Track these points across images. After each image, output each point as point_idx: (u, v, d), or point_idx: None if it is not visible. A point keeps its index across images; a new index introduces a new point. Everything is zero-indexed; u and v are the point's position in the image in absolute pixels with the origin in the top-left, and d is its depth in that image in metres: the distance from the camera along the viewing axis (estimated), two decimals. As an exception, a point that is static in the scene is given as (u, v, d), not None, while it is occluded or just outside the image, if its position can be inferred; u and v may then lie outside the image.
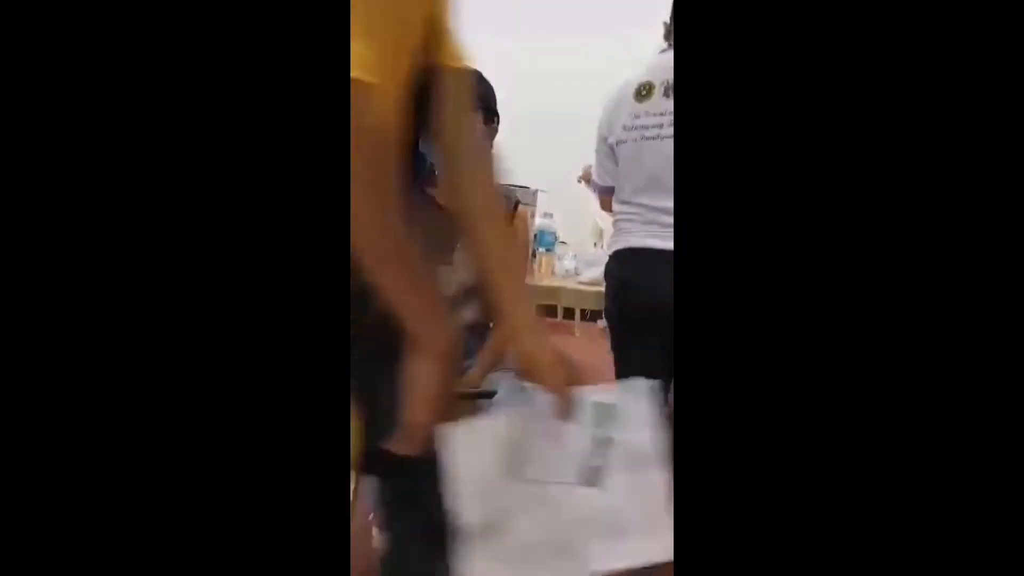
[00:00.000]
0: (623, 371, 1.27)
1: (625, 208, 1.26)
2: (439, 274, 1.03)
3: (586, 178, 1.91)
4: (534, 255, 1.81)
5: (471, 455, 0.48)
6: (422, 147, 0.67)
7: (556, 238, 2.05)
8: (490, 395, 0.95)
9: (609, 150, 1.29)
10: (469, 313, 1.13)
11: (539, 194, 1.99)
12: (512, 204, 1.14)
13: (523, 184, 1.48)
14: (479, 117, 0.94)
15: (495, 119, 1.11)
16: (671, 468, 0.57)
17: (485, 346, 1.12)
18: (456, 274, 1.08)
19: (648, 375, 0.72)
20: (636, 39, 1.42)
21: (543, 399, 0.52)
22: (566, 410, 0.51)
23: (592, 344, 2.19)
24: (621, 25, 2.99)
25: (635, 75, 1.24)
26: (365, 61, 0.43)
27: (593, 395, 0.53)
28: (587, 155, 1.45)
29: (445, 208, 0.78)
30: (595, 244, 2.13)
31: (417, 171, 0.71)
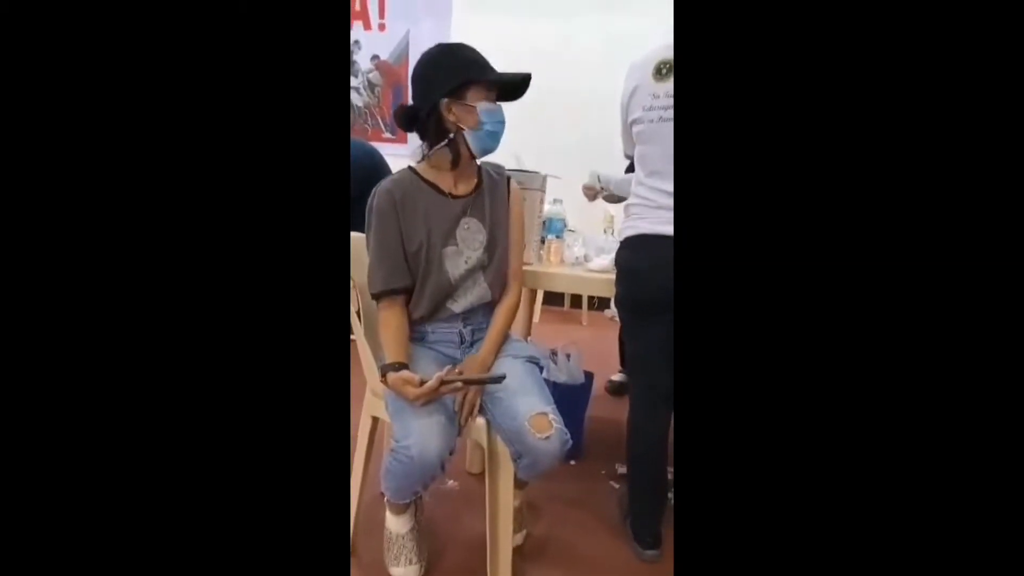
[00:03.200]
0: (631, 360, 1.37)
1: (639, 191, 1.25)
2: (446, 255, 1.12)
3: (587, 193, 2.02)
4: (543, 241, 1.63)
5: None
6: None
7: (565, 224, 1.62)
8: (499, 379, 1.00)
9: (627, 129, 1.28)
10: (477, 291, 1.16)
11: (548, 180, 1.63)
12: (504, 180, 1.20)
13: (533, 169, 1.55)
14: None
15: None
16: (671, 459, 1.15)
17: (491, 329, 1.17)
18: (460, 254, 1.13)
19: (655, 364, 1.19)
20: (654, 23, 1.35)
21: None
22: None
23: (599, 332, 2.46)
24: (641, 8, 2.89)
25: (656, 50, 1.19)
26: None
27: None
28: (598, 141, 1.90)
29: (446, 193, 1.13)
30: (605, 231, 2.01)
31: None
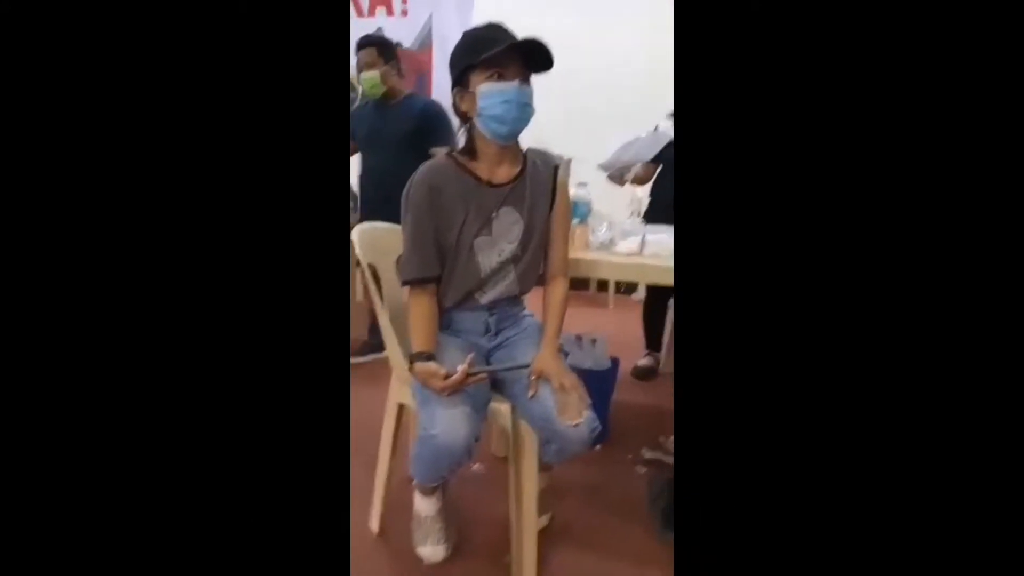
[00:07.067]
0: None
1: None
2: (479, 245, 1.11)
3: (637, 179, 2.04)
4: (567, 226, 1.53)
5: None
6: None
7: (590, 208, 1.58)
8: (524, 366, 1.06)
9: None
10: (506, 284, 1.15)
11: (572, 163, 1.55)
12: (551, 169, 1.17)
13: (557, 152, 1.45)
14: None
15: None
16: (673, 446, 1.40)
17: (547, 327, 1.15)
18: (494, 245, 1.13)
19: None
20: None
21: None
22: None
23: (626, 316, 2.40)
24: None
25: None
26: None
27: None
28: (623, 123, 1.87)
29: (484, 181, 1.11)
30: (631, 215, 1.87)
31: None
